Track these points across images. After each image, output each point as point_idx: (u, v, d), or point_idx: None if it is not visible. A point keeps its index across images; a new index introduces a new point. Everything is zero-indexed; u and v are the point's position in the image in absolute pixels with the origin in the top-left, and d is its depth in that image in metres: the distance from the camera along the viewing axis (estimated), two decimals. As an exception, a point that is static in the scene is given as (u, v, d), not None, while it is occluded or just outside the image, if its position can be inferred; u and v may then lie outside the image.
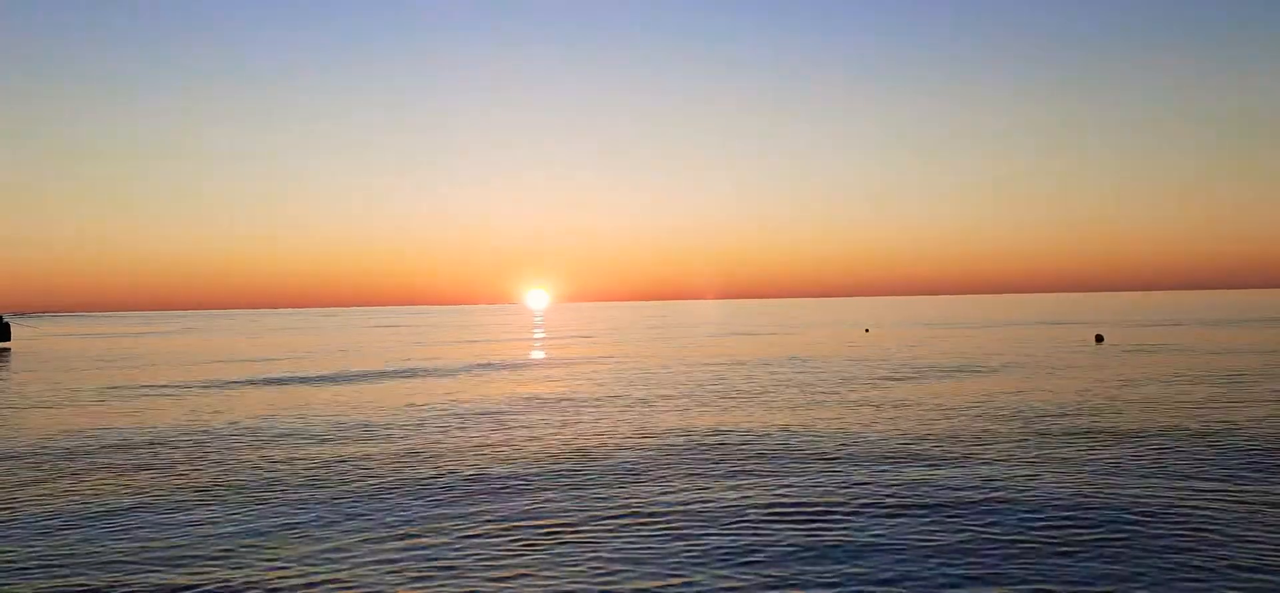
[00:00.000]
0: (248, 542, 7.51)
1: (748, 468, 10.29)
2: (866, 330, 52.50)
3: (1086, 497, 8.60)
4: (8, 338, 48.04)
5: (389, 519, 8.18)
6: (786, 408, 15.98)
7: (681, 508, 8.34)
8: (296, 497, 9.25)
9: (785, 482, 9.51)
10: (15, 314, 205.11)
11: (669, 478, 9.77)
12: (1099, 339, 36.96)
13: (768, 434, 12.87)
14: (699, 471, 10.15)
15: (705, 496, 8.85)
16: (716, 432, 13.12)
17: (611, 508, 8.41)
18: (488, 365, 28.09)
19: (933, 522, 7.79)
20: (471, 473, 10.31)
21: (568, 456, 11.45)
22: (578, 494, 9.15)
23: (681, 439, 12.43)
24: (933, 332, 48.40)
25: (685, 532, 7.52)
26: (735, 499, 8.68)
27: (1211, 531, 7.43)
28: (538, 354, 31.83)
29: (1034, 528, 7.56)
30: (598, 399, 17.99)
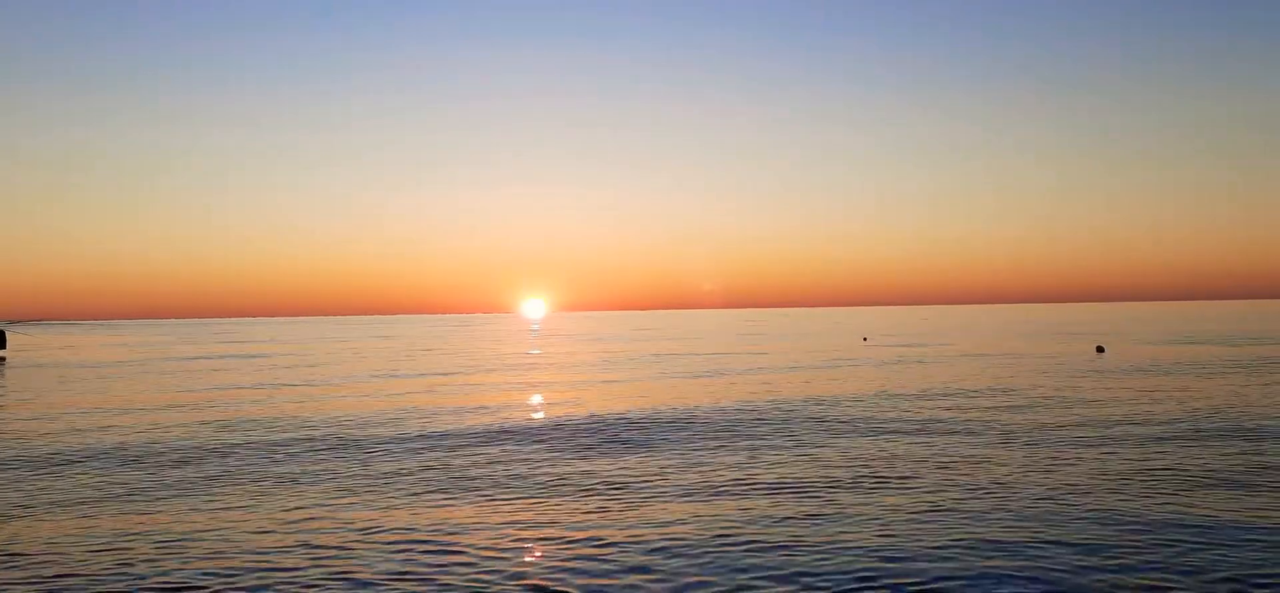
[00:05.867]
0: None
1: None
2: (864, 340, 52.61)
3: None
4: (3, 346, 47.58)
5: None
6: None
7: None
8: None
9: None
10: (12, 322, 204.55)
11: None
12: (1100, 350, 36.75)
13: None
14: None
15: None
16: None
17: None
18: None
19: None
20: None
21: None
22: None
23: None
24: (943, 341, 48.16)
25: None
26: None
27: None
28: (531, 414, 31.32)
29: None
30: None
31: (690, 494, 9.27)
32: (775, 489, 9.45)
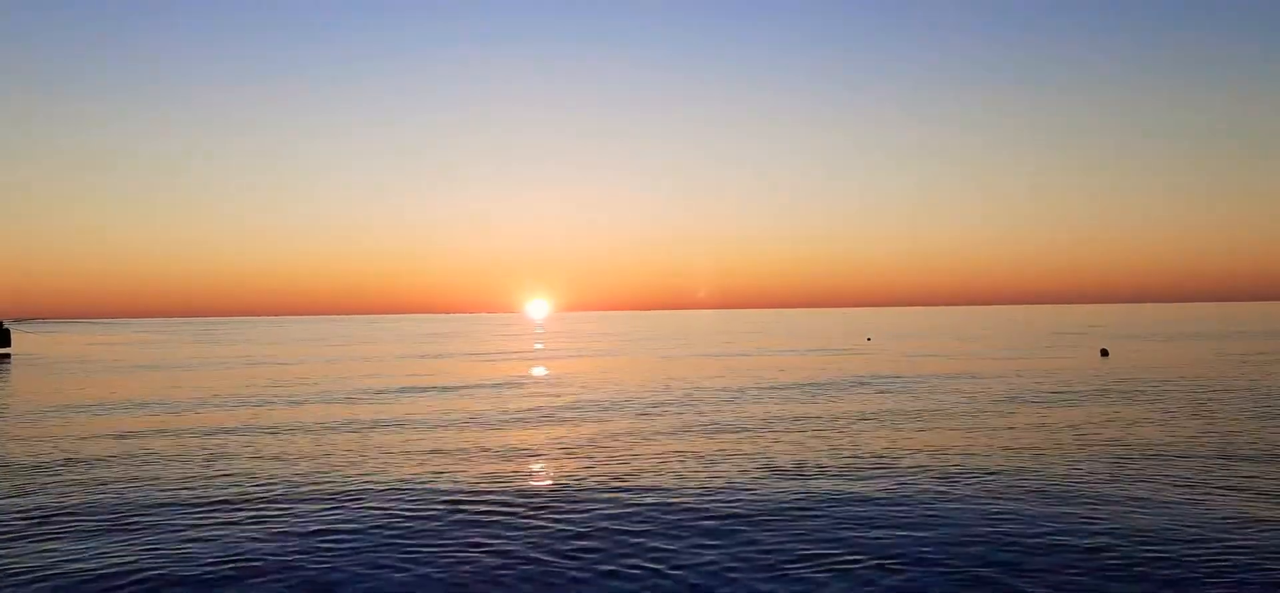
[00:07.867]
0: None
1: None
2: (868, 339, 52.62)
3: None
4: (8, 344, 47.61)
5: None
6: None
7: None
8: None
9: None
10: (16, 320, 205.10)
11: None
12: (1104, 353, 36.71)
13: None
14: None
15: None
16: None
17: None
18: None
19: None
20: None
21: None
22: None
23: None
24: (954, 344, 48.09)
25: None
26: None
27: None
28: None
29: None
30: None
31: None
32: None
